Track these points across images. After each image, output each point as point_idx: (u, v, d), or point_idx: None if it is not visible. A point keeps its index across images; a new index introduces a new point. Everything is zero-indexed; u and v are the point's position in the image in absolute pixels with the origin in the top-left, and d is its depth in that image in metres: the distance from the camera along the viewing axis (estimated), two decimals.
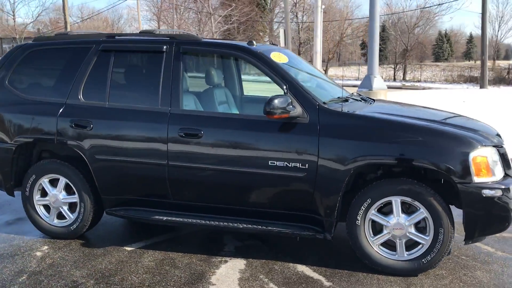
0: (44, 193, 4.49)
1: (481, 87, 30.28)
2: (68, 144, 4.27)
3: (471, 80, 38.43)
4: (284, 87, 3.82)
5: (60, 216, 4.47)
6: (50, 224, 4.48)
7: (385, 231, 3.69)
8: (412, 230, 3.63)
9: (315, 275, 3.72)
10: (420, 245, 3.64)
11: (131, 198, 4.28)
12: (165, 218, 4.11)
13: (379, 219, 3.69)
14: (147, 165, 4.09)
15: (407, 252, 3.68)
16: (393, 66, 48.39)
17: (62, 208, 4.43)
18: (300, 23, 45.58)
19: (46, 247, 4.30)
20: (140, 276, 3.71)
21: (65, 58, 4.50)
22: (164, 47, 4.16)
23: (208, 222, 4.02)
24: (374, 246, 3.72)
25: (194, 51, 4.31)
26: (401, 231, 3.63)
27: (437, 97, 19.01)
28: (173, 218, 4.10)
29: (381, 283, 3.60)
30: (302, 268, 3.84)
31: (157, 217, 4.14)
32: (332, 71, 49.48)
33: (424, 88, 32.28)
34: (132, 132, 4.13)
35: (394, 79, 45.51)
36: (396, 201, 3.62)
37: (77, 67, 4.34)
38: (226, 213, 4.06)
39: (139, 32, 4.51)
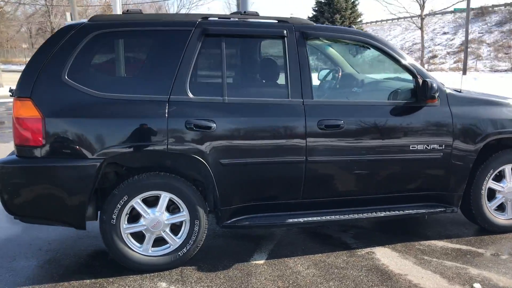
0: (131, 218, 3.52)
1: None
2: (181, 151, 3.42)
3: None
4: (414, 70, 3.93)
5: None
6: (146, 255, 3.53)
7: (498, 196, 4.23)
8: None
9: (461, 246, 4.01)
10: None
11: (250, 205, 3.73)
12: (302, 219, 3.75)
13: (495, 186, 4.20)
14: (282, 164, 3.63)
15: None
16: None
17: (164, 232, 3.54)
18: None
19: (163, 284, 3.39)
20: (330, 285, 3.35)
21: (153, 44, 3.53)
22: (284, 31, 3.70)
23: (348, 216, 3.85)
24: (491, 211, 4.22)
25: (318, 36, 3.93)
26: None
27: None
28: (311, 218, 3.78)
29: None
30: (442, 243, 4.07)
31: (292, 220, 3.74)
32: None
33: None
34: (263, 129, 3.59)
35: None
36: (508, 168, 4.19)
37: (177, 55, 3.47)
38: (356, 205, 3.96)
39: (243, 13, 3.81)
